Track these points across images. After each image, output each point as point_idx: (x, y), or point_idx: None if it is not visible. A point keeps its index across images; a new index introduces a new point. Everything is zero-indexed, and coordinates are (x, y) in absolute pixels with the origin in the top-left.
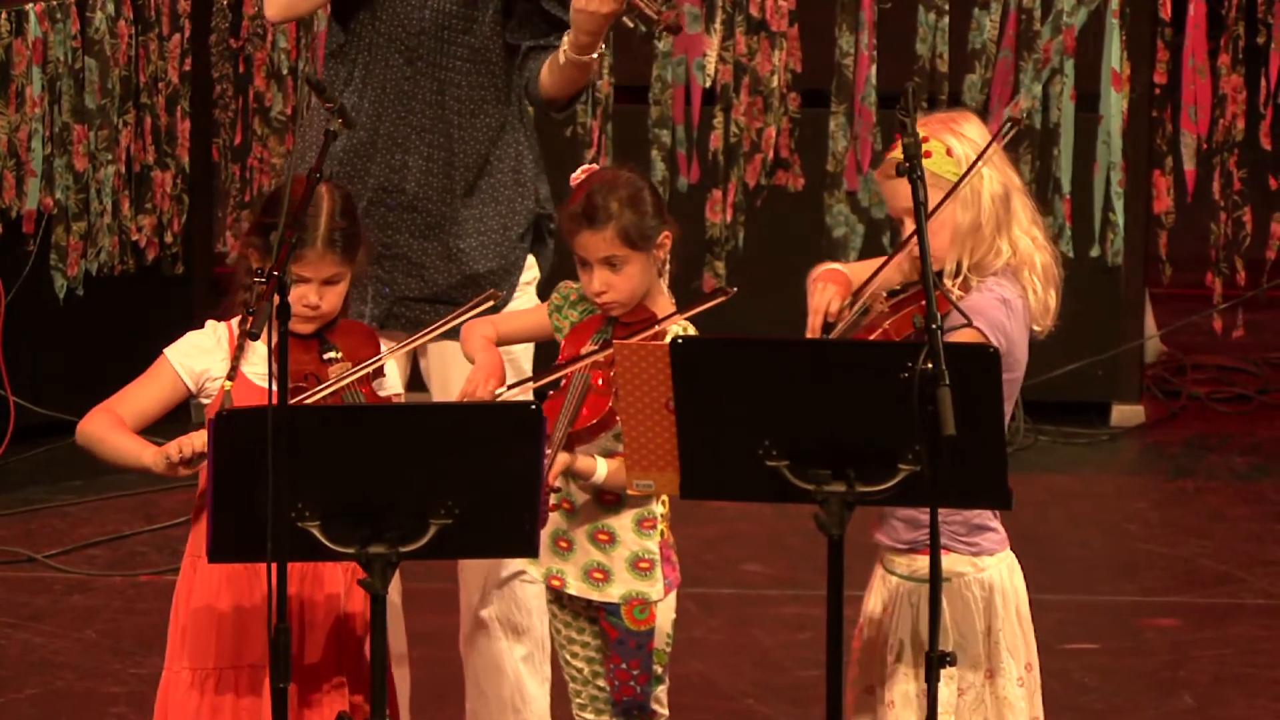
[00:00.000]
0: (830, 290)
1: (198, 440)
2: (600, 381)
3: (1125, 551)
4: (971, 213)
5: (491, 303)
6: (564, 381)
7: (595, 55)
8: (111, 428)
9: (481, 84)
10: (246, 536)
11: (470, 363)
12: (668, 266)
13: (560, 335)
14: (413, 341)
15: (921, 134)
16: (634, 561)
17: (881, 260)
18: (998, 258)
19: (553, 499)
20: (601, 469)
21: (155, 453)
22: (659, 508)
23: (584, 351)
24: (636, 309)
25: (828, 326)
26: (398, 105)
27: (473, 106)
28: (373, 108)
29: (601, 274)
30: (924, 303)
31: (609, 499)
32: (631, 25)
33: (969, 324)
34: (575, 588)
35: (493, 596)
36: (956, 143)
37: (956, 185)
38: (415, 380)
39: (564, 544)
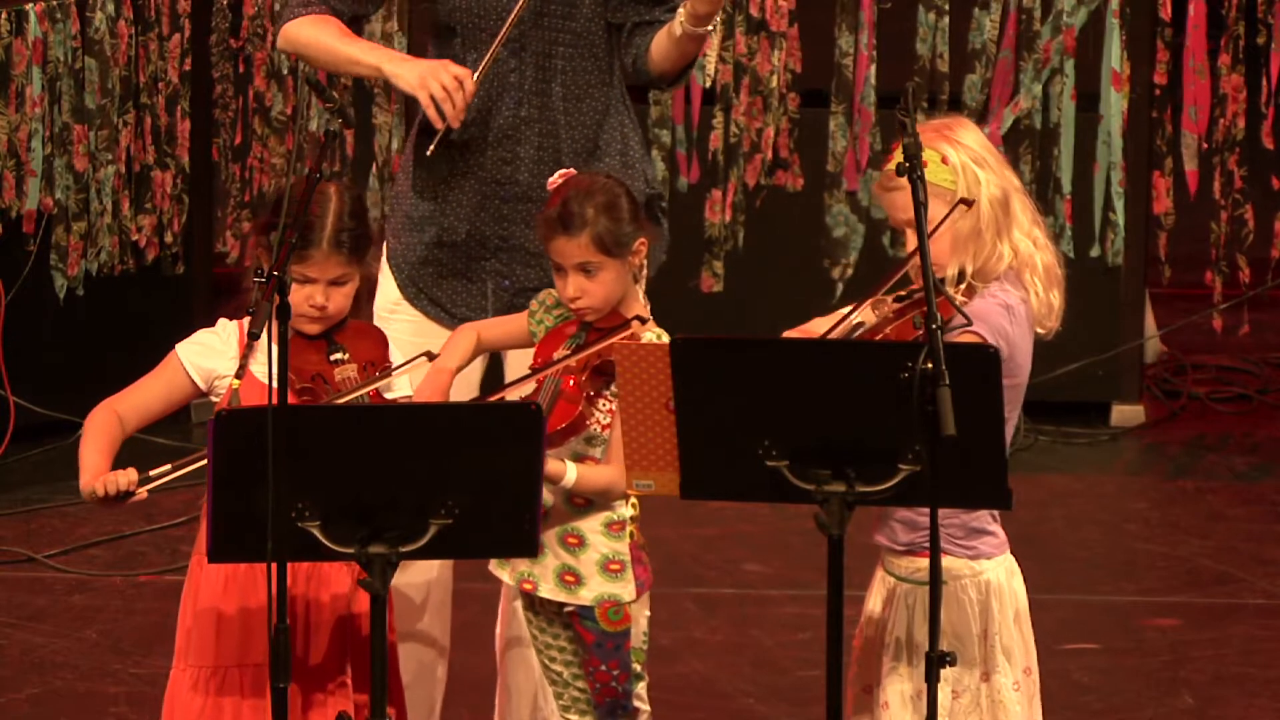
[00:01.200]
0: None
1: (123, 480)
2: (572, 384)
3: (1125, 551)
4: (970, 218)
5: (426, 359)
6: (536, 386)
7: (711, 27)
8: (94, 433)
9: (586, 68)
10: (246, 536)
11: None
12: (644, 272)
13: (536, 340)
14: (378, 380)
15: None
16: (604, 564)
17: (846, 312)
18: (1000, 262)
19: None
20: (571, 473)
21: (86, 480)
22: (628, 510)
23: (556, 356)
24: (611, 314)
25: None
26: (505, 98)
27: (578, 92)
28: (482, 103)
29: (576, 280)
30: (946, 291)
31: (578, 502)
32: None
33: (969, 325)
34: (548, 591)
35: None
36: (952, 151)
37: (939, 223)
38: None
39: None
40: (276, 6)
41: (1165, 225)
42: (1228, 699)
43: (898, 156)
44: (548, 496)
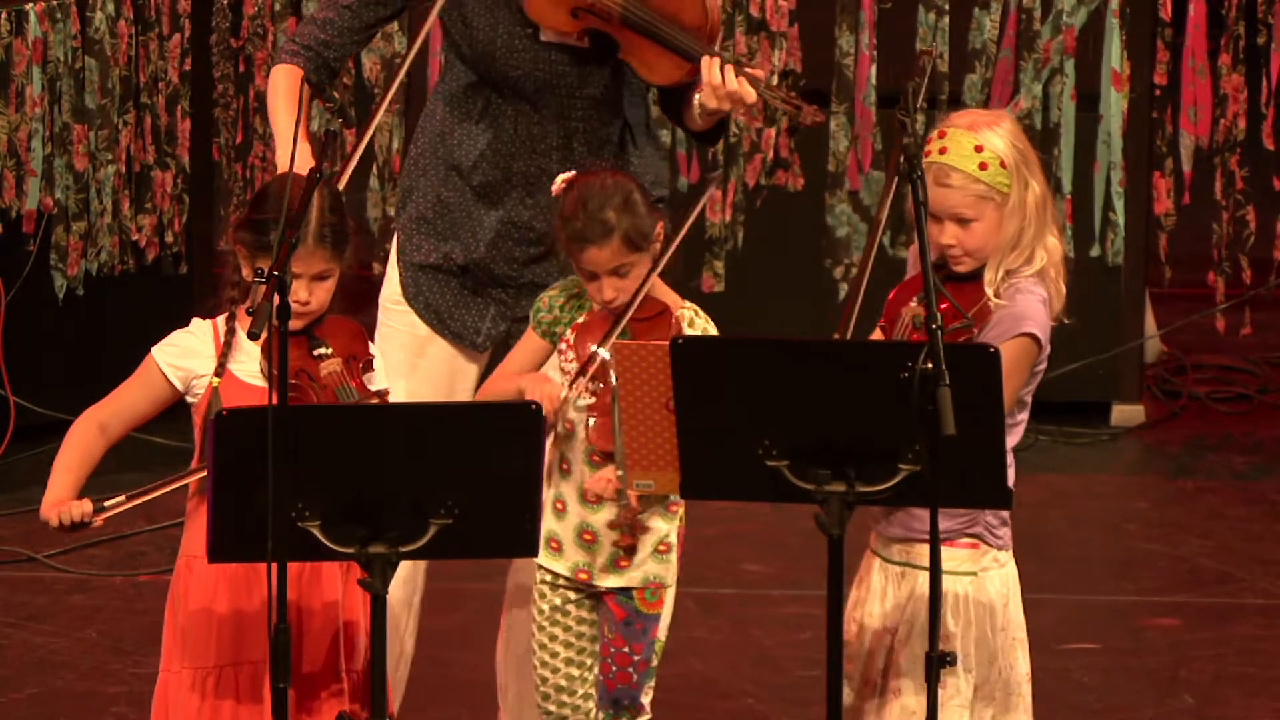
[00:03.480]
0: None
1: (77, 511)
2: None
3: (1125, 551)
4: (1018, 221)
5: (378, 401)
6: (601, 392)
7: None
8: (71, 448)
9: (606, 122)
10: (246, 536)
11: None
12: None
13: (558, 341)
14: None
15: (975, 142)
16: (656, 545)
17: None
18: (1030, 264)
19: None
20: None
21: (45, 506)
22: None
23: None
24: (647, 303)
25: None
26: (528, 146)
27: (597, 146)
28: (506, 147)
29: (611, 282)
30: (947, 293)
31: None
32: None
33: (969, 325)
34: (599, 578)
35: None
36: (1007, 153)
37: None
38: None
39: (588, 536)
40: (277, 6)
41: (1166, 225)
42: (1228, 699)
43: (962, 149)
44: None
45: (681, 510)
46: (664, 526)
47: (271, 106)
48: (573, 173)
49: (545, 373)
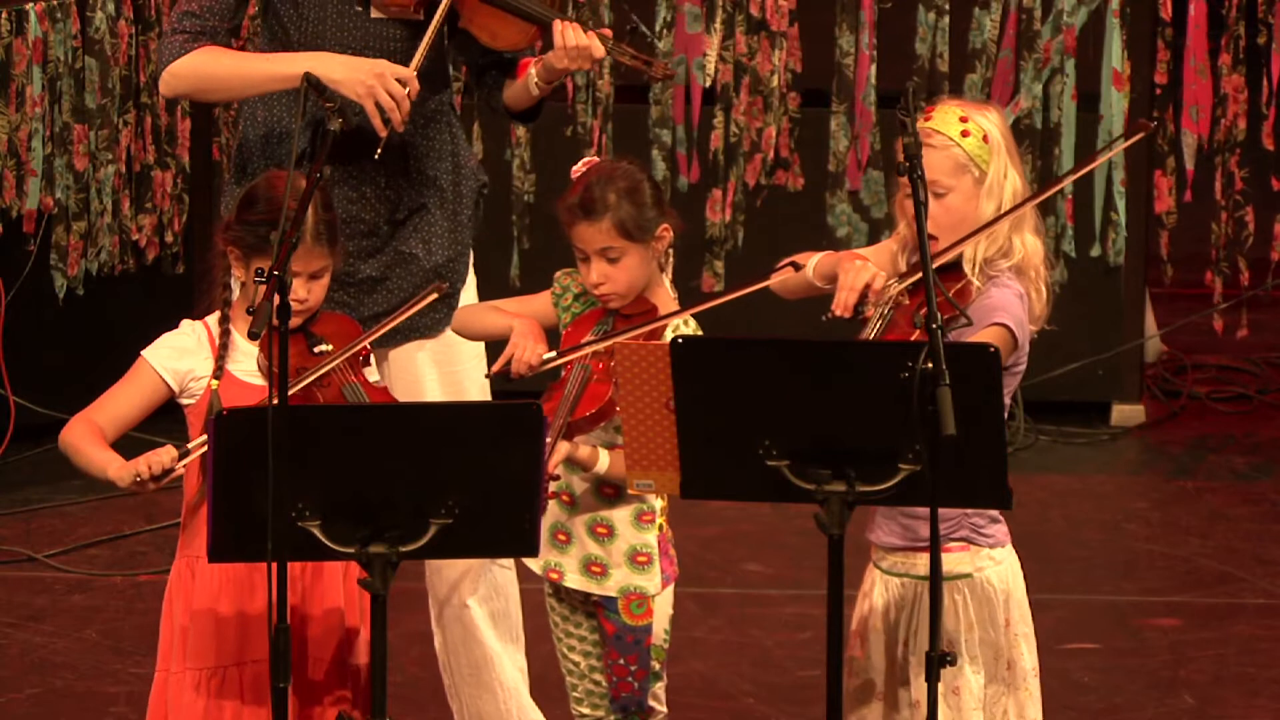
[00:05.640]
0: (870, 269)
1: (165, 457)
2: (601, 370)
3: (1125, 551)
4: (994, 202)
5: (436, 295)
6: (564, 371)
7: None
8: (86, 439)
9: (433, 94)
10: (247, 536)
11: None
12: (670, 260)
13: (563, 327)
14: (382, 328)
15: (960, 113)
16: (632, 555)
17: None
18: (1006, 257)
19: (552, 486)
20: (603, 460)
21: (121, 467)
22: (658, 502)
23: (585, 341)
24: (637, 301)
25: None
26: (352, 137)
27: (422, 123)
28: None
29: (599, 266)
30: (946, 292)
31: (608, 492)
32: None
33: (968, 322)
34: (573, 580)
35: (480, 584)
36: (994, 132)
37: (992, 223)
38: None
39: (563, 536)
40: None
41: (1167, 224)
42: (1228, 699)
43: (947, 116)
44: (577, 485)
45: (661, 520)
46: (635, 535)
47: (238, 72)
48: (595, 158)
49: (540, 328)
